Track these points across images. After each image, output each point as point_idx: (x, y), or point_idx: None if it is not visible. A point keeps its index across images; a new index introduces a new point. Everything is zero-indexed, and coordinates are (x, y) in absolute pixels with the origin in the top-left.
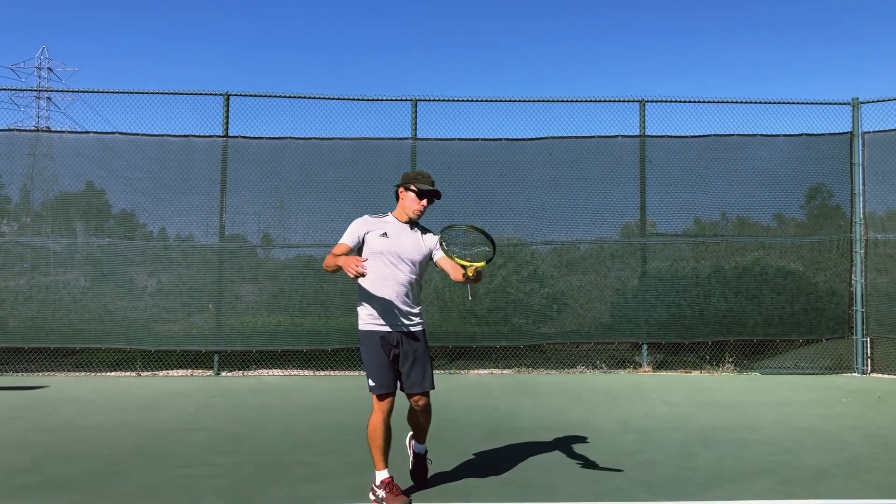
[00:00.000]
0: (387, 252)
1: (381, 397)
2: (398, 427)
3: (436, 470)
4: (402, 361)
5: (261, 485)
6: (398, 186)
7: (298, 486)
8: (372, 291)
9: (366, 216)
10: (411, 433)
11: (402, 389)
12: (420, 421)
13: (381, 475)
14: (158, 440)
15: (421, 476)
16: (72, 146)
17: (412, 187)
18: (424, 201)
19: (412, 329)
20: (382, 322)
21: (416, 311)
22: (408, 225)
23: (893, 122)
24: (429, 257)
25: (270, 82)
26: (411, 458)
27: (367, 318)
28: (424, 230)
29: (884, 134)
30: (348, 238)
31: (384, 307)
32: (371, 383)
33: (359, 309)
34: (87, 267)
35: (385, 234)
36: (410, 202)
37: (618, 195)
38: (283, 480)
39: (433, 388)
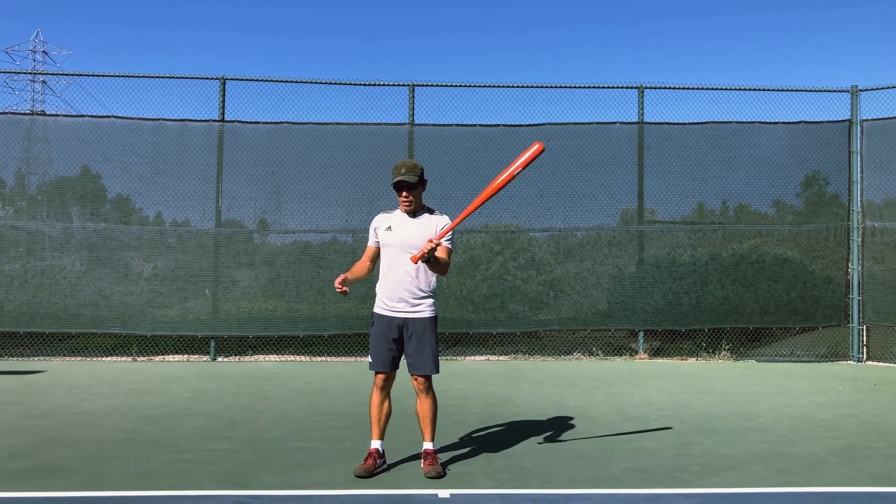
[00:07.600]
0: (391, 244)
1: (376, 374)
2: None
3: None
4: (406, 344)
5: (256, 470)
6: None
7: (294, 472)
8: (382, 279)
9: (379, 214)
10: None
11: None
12: (422, 408)
13: (371, 444)
14: (154, 425)
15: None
16: (67, 130)
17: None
18: (404, 192)
19: (417, 315)
20: (389, 307)
21: (422, 297)
22: (411, 215)
23: (892, 109)
24: None
25: (267, 67)
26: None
27: (378, 302)
28: (433, 213)
29: (882, 122)
30: (370, 240)
31: (391, 294)
32: (370, 360)
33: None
34: (82, 252)
35: (389, 228)
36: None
37: (615, 182)
38: (279, 466)
39: (434, 371)
